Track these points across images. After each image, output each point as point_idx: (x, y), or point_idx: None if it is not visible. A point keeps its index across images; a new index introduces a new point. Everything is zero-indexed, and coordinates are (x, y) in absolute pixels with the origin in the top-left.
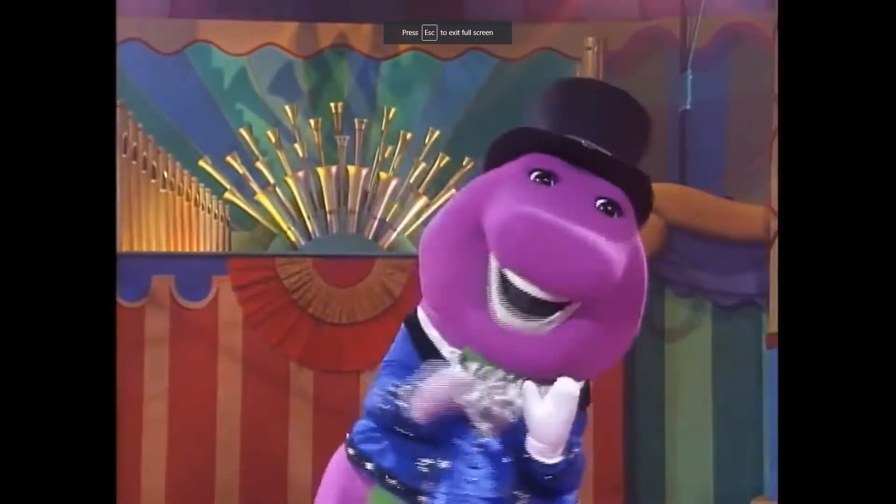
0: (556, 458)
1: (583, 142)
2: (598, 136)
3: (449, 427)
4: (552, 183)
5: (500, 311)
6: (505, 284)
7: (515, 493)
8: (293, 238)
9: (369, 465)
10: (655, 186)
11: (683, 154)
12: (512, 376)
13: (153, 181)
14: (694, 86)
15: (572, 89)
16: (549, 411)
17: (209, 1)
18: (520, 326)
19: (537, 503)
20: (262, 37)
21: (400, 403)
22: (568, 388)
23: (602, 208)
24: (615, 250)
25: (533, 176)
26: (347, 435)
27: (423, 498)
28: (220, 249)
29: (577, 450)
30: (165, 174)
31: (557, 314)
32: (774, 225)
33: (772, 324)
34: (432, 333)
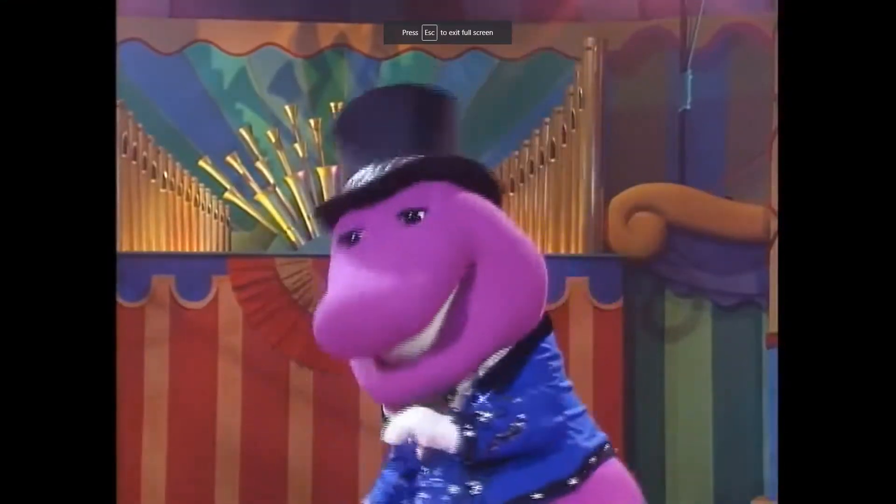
0: (452, 443)
1: (355, 185)
2: (377, 148)
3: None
4: (357, 237)
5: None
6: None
7: (468, 483)
8: (293, 238)
9: None
10: (655, 186)
11: (683, 154)
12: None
13: (153, 181)
14: (694, 86)
15: (341, 117)
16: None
17: (209, 1)
18: (396, 354)
19: (491, 487)
20: (262, 37)
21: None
22: (394, 429)
23: (405, 221)
24: (416, 260)
25: (339, 244)
26: None
27: None
28: (221, 249)
29: (481, 419)
30: (165, 174)
31: (421, 335)
32: (774, 225)
33: (772, 324)
34: (386, 412)
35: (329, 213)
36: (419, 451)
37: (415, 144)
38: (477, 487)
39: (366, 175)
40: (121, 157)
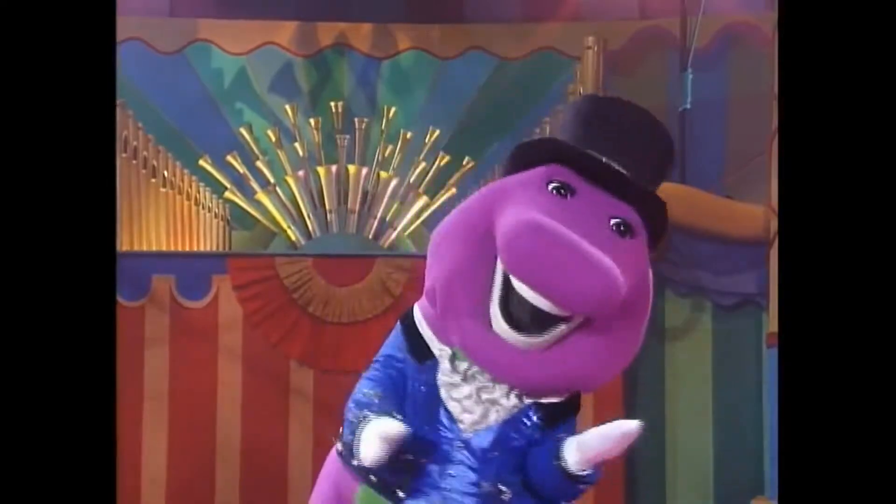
0: (587, 470)
1: (603, 159)
2: (620, 155)
3: (429, 424)
4: (569, 196)
5: (497, 322)
6: (507, 295)
7: (501, 487)
8: (293, 237)
9: (354, 462)
10: None
11: (683, 153)
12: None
13: (153, 180)
14: (694, 85)
15: (600, 105)
16: (605, 445)
17: (209, 0)
18: (514, 340)
19: (522, 498)
20: (262, 36)
21: (352, 437)
22: (629, 429)
23: (615, 228)
24: (622, 271)
25: (551, 187)
26: (340, 430)
27: (400, 493)
28: (221, 249)
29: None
30: (165, 173)
31: (554, 331)
32: (774, 224)
33: (772, 323)
34: (426, 332)
35: (561, 157)
36: (473, 423)
37: (643, 175)
38: (508, 495)
39: (614, 166)
40: (121, 157)
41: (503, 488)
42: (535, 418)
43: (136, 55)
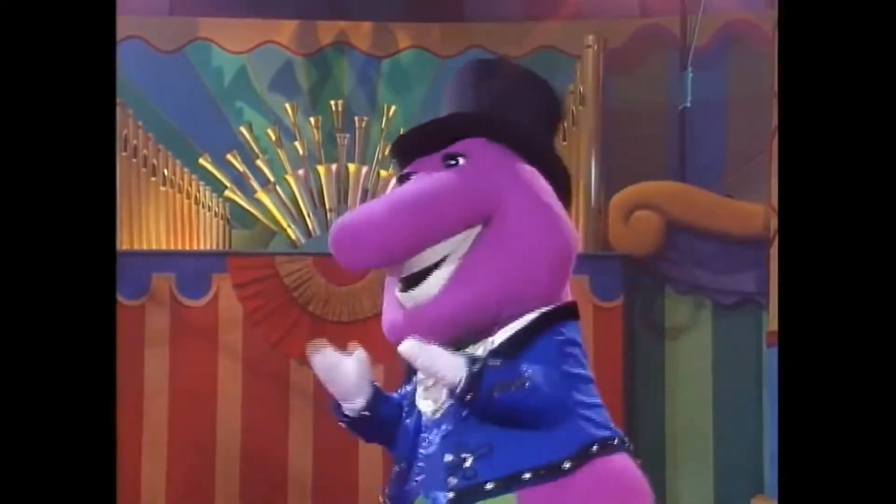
0: (458, 376)
1: (406, 132)
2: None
3: (406, 429)
4: (406, 180)
5: (398, 293)
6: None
7: (462, 455)
8: (293, 236)
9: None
10: (656, 184)
11: (683, 152)
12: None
13: (153, 179)
14: (694, 84)
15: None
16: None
17: None
18: (408, 300)
19: (484, 459)
20: (262, 35)
21: None
22: (404, 349)
23: (444, 165)
24: (434, 188)
25: (395, 180)
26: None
27: (385, 501)
28: (221, 247)
29: (489, 363)
30: (165, 172)
31: (430, 279)
32: (774, 223)
33: (772, 322)
34: None
35: (394, 160)
36: (428, 410)
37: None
38: (469, 460)
39: (411, 129)
40: (121, 155)
41: (464, 455)
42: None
43: (136, 54)
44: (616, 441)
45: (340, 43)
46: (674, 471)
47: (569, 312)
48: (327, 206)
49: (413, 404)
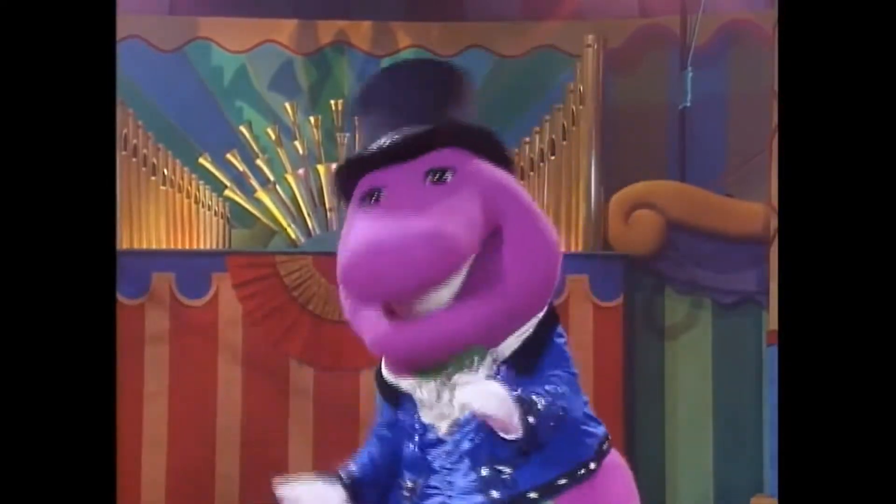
0: (517, 432)
1: (383, 142)
2: (399, 116)
3: (422, 449)
4: (379, 196)
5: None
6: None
7: (497, 467)
8: (293, 235)
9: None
10: (656, 184)
11: (683, 152)
12: (440, 382)
13: (153, 178)
14: (694, 83)
15: (373, 87)
16: (480, 409)
17: None
18: (413, 311)
19: (522, 471)
20: (262, 34)
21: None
22: (463, 399)
23: (431, 181)
24: (452, 211)
25: (359, 203)
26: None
27: None
28: (220, 247)
29: (539, 407)
30: (165, 171)
31: (440, 290)
32: (774, 222)
33: (772, 321)
34: (389, 377)
35: (350, 172)
36: (443, 427)
37: (434, 116)
38: (508, 471)
39: (386, 140)
40: (121, 155)
41: (500, 468)
42: (506, 377)
43: (136, 53)
44: (608, 434)
45: (340, 42)
46: (674, 471)
47: (555, 313)
48: (327, 206)
49: (412, 428)
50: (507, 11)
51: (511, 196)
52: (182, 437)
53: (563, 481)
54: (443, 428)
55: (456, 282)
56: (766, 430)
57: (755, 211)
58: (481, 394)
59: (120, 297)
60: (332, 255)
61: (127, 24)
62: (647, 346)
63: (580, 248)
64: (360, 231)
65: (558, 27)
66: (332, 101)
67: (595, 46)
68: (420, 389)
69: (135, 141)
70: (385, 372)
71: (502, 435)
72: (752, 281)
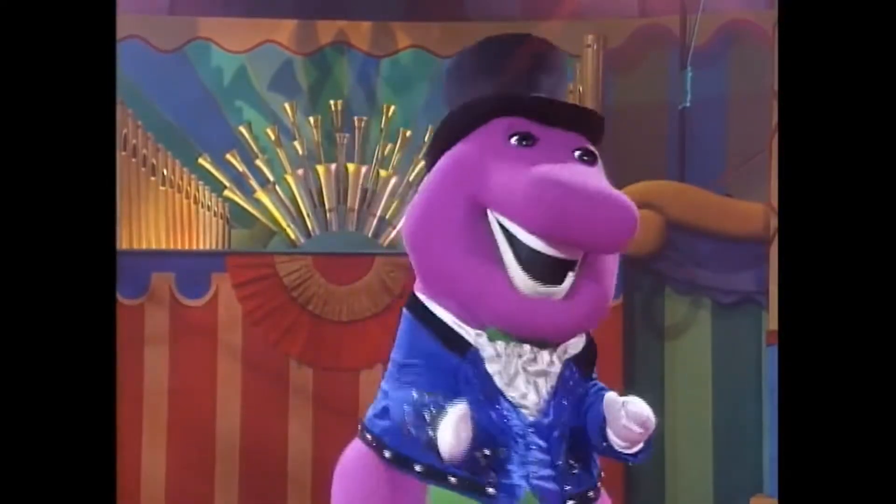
0: (638, 448)
1: (549, 99)
2: (539, 87)
3: (496, 415)
4: (533, 144)
5: (523, 282)
6: (519, 254)
7: (571, 462)
8: (293, 236)
9: (418, 468)
10: (655, 184)
11: (683, 151)
12: (537, 347)
13: (153, 179)
14: (694, 83)
15: (500, 45)
16: (631, 430)
17: None
18: (542, 293)
19: (587, 469)
20: (262, 34)
21: (430, 433)
22: (636, 409)
23: (581, 159)
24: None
25: (514, 140)
26: (370, 437)
27: (490, 489)
28: (220, 247)
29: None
30: (165, 172)
31: (569, 276)
32: (774, 222)
33: (772, 321)
34: (448, 318)
35: (509, 109)
36: (534, 404)
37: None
38: (577, 467)
39: (567, 102)
40: (120, 155)
41: (573, 462)
42: (576, 374)
43: (136, 53)
44: None
45: (340, 42)
46: (674, 471)
47: None
48: (326, 206)
49: (491, 393)
50: (507, 11)
51: None
52: (182, 436)
53: (591, 493)
54: (530, 406)
55: (575, 268)
56: (766, 430)
57: (755, 211)
58: (646, 406)
59: (120, 298)
60: (332, 255)
61: (127, 24)
62: (646, 346)
63: None
64: (577, 175)
65: (558, 27)
66: (332, 102)
67: (595, 46)
68: (495, 346)
69: (134, 141)
70: (444, 315)
71: (622, 445)
72: (751, 281)
